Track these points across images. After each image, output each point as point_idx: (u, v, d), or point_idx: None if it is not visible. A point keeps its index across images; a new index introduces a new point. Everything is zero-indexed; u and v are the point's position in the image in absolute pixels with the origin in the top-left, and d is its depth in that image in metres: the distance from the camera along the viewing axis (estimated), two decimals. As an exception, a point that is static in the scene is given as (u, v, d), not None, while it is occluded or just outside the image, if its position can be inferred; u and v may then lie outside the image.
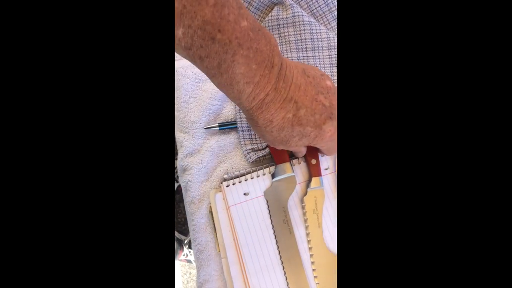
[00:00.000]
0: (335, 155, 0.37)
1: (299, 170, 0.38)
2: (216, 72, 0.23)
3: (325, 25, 0.43)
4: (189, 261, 1.01)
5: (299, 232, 0.36)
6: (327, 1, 0.42)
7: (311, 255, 0.35)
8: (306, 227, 0.36)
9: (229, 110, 0.42)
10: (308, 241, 0.35)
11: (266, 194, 0.36)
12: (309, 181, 0.37)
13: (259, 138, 0.40)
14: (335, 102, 0.28)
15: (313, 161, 0.37)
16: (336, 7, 0.42)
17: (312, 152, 0.37)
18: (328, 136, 0.28)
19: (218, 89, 0.43)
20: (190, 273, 1.04)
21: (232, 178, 0.38)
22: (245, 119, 0.41)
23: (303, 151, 0.34)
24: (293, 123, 0.26)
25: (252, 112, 0.26)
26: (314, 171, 0.37)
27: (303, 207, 0.36)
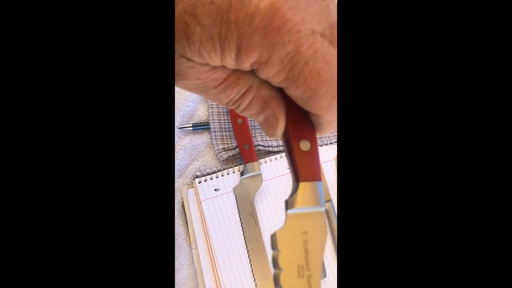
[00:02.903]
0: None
1: (265, 169, 0.42)
2: None
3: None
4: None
5: (264, 224, 0.40)
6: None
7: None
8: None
9: (202, 112, 0.45)
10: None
11: (235, 190, 0.40)
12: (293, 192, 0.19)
13: (230, 138, 0.43)
14: None
15: (304, 145, 0.19)
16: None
17: (302, 124, 0.18)
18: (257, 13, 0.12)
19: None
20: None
21: (204, 175, 0.41)
22: (217, 121, 0.44)
23: (269, 105, 0.17)
24: None
25: None
26: (305, 169, 0.19)
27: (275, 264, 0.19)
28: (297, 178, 0.17)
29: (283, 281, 0.16)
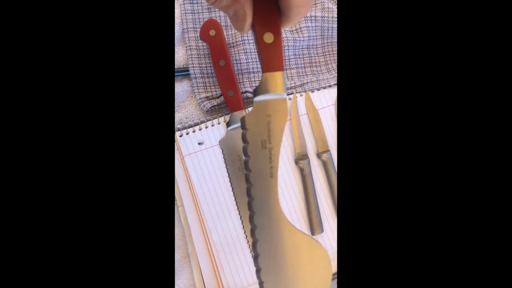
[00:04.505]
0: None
1: (254, 118, 0.37)
2: None
3: None
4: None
5: (254, 179, 0.36)
6: None
7: (252, 229, 0.19)
8: (246, 177, 0.19)
9: (180, 55, 0.39)
10: (248, 204, 0.19)
11: (221, 143, 0.36)
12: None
13: (214, 85, 0.38)
14: None
15: (268, 37, 0.18)
16: None
17: (268, 18, 0.18)
18: None
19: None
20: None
21: (186, 128, 0.37)
22: (198, 65, 0.38)
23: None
24: None
25: None
26: (268, 60, 0.19)
27: (244, 139, 0.19)
28: (262, 69, 0.19)
29: (250, 151, 0.19)
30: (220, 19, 0.39)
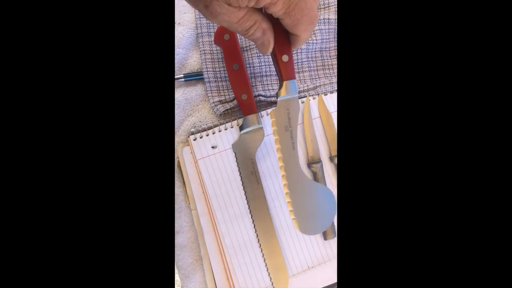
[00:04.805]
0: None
1: (267, 122, 0.37)
2: None
3: None
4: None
5: (267, 182, 0.36)
6: None
7: (285, 184, 0.29)
8: (277, 150, 0.29)
9: (194, 60, 0.39)
10: (281, 167, 0.29)
11: (234, 146, 0.36)
12: (280, 87, 0.29)
13: (227, 89, 0.38)
14: None
15: (284, 58, 0.28)
16: None
17: (283, 44, 0.27)
18: None
19: (181, 36, 0.39)
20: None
21: (199, 132, 0.37)
22: (211, 69, 0.38)
23: (266, 33, 0.25)
24: None
25: None
26: (285, 72, 0.28)
27: (272, 125, 0.29)
28: (281, 79, 0.29)
29: (278, 133, 0.29)
30: (233, 23, 0.40)
